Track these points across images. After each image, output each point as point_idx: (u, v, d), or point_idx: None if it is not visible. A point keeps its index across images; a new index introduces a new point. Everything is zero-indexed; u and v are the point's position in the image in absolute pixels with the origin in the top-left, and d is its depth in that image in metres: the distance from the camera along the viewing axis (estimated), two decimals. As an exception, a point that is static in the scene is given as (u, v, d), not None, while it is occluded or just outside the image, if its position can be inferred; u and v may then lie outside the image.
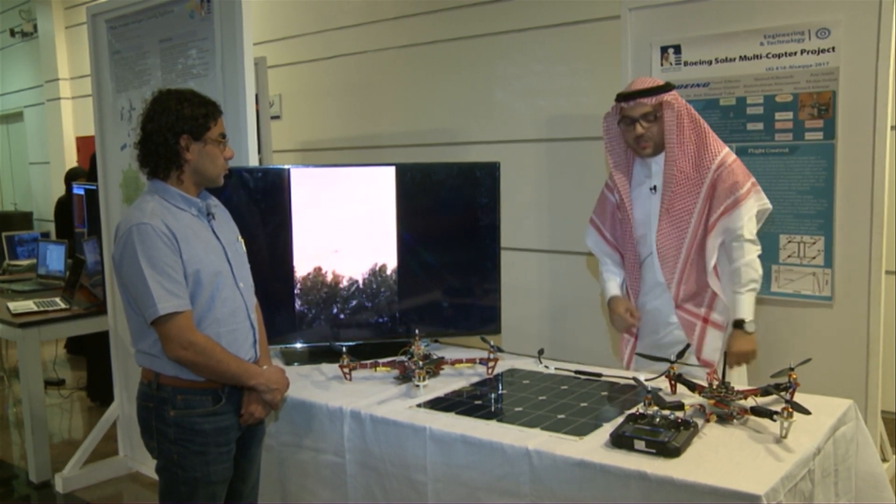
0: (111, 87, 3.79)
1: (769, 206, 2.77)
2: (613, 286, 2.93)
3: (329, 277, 2.96)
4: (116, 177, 3.83)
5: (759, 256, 2.71)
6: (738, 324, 2.68)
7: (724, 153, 2.69)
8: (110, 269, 3.85)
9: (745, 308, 2.69)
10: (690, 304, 2.76)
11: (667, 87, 2.70)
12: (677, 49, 3.48)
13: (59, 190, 7.78)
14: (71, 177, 5.94)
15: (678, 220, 2.72)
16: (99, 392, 5.18)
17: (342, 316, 2.99)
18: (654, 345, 2.82)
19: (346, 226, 2.97)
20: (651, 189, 2.78)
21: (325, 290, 2.95)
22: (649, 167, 2.78)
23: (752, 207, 2.69)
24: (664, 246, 2.74)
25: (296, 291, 2.94)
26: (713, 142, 2.70)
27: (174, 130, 2.19)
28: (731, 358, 2.66)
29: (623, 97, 2.73)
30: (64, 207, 5.77)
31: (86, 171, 5.62)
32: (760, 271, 2.71)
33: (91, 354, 5.30)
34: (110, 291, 3.97)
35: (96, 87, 3.88)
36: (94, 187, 4.25)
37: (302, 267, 2.94)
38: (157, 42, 3.53)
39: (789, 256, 3.28)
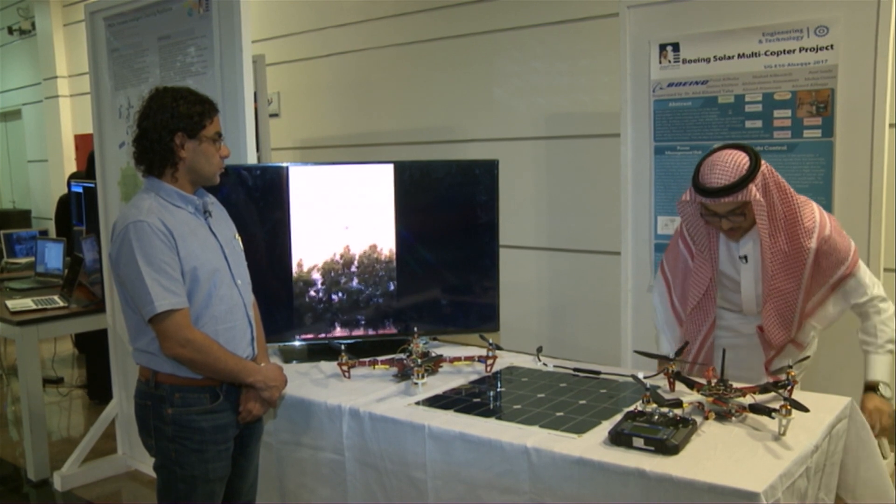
0: (109, 85, 3.78)
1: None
2: (666, 347, 2.73)
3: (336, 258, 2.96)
4: (115, 174, 3.82)
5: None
6: (873, 387, 2.45)
7: (818, 222, 2.46)
8: (108, 267, 3.85)
9: (882, 369, 2.46)
10: (783, 336, 2.56)
11: (751, 174, 2.37)
12: (676, 47, 3.48)
13: (58, 188, 7.78)
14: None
15: (785, 302, 2.50)
16: (98, 390, 5.18)
17: (342, 294, 2.97)
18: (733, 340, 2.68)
19: (344, 223, 2.96)
20: (741, 258, 2.57)
21: (332, 272, 2.95)
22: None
23: (866, 270, 2.52)
24: (771, 327, 2.52)
25: (294, 272, 2.94)
26: (804, 213, 2.46)
27: (169, 128, 2.19)
28: (870, 418, 2.38)
29: (706, 194, 2.41)
30: (65, 207, 5.76)
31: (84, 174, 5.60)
32: None
33: (91, 352, 5.30)
34: (109, 289, 3.97)
35: (95, 84, 3.87)
36: (92, 185, 4.24)
37: (299, 261, 2.94)
38: (155, 40, 3.52)
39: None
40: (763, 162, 2.43)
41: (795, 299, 2.50)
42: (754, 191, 2.36)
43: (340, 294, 2.98)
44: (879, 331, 2.48)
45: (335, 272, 2.96)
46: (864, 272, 2.51)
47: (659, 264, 2.87)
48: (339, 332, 2.99)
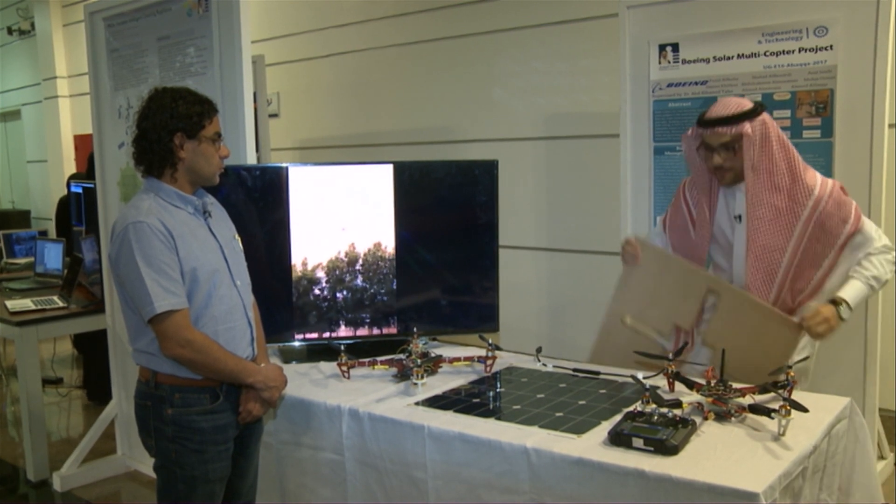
0: (109, 86, 3.78)
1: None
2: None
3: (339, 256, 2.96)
4: (114, 175, 3.82)
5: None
6: (837, 302, 2.46)
7: (820, 184, 2.51)
8: (108, 268, 3.85)
9: (854, 294, 2.47)
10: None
11: (750, 114, 2.47)
12: (675, 47, 3.48)
13: (57, 188, 7.78)
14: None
15: (768, 258, 2.55)
16: (97, 390, 5.18)
17: (345, 293, 2.98)
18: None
19: (344, 223, 2.96)
20: (735, 218, 2.63)
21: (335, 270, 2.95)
22: (734, 193, 2.62)
23: (871, 224, 2.54)
24: (754, 282, 2.58)
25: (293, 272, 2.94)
26: (804, 172, 2.51)
27: (168, 128, 2.19)
28: (807, 320, 2.46)
29: (703, 123, 2.52)
30: (65, 207, 5.76)
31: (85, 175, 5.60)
32: (890, 274, 2.49)
33: (88, 353, 5.30)
34: (108, 290, 3.97)
35: (94, 85, 3.87)
36: (91, 185, 4.25)
37: (304, 260, 2.95)
38: (155, 40, 3.52)
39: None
40: (768, 115, 2.50)
41: (781, 257, 2.52)
42: (748, 127, 2.45)
43: (345, 292, 2.98)
44: (872, 265, 2.50)
45: (340, 270, 2.96)
46: (870, 226, 2.53)
47: (661, 219, 2.90)
48: (343, 330, 2.99)
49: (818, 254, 2.55)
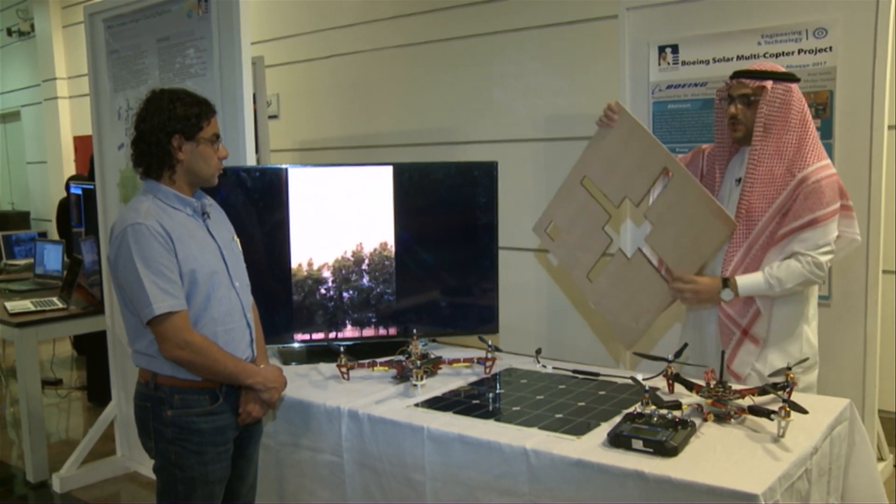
0: (109, 87, 3.79)
1: (857, 238, 2.62)
2: None
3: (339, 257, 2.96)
4: (114, 176, 3.82)
5: (810, 284, 2.55)
6: (727, 280, 2.53)
7: (820, 165, 2.49)
8: (107, 269, 3.85)
9: (750, 283, 2.51)
10: (734, 312, 2.60)
11: (778, 76, 2.53)
12: (675, 49, 3.48)
13: (57, 189, 7.78)
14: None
15: (748, 218, 2.57)
16: (98, 392, 5.18)
17: (344, 294, 2.98)
18: (697, 332, 2.78)
19: (344, 225, 2.96)
20: (736, 181, 2.66)
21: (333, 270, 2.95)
22: (743, 157, 2.64)
23: (833, 231, 2.49)
24: (734, 238, 2.61)
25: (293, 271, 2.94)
26: (812, 150, 2.51)
27: (166, 130, 2.19)
28: (678, 281, 2.56)
29: (732, 74, 2.61)
30: (65, 209, 5.76)
31: (85, 177, 5.60)
32: (796, 287, 2.49)
33: (91, 354, 5.30)
34: (108, 291, 3.97)
35: (94, 86, 3.87)
36: (91, 187, 4.25)
37: (309, 260, 2.95)
38: (154, 41, 3.52)
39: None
40: (798, 88, 2.54)
41: (758, 219, 2.55)
42: (770, 86, 2.50)
43: (351, 292, 2.98)
44: (788, 268, 2.48)
45: (346, 269, 2.96)
46: (825, 235, 2.48)
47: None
48: (349, 329, 2.99)
49: (780, 226, 2.55)
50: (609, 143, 2.78)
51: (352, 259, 2.97)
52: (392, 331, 3.03)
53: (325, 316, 2.97)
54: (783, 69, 2.59)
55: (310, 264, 2.95)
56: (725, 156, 2.71)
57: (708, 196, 2.59)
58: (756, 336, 2.59)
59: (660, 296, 2.68)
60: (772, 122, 2.51)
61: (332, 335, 2.99)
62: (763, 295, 2.53)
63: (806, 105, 2.56)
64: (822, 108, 3.18)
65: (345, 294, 2.97)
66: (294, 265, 2.94)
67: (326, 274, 2.96)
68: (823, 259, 2.48)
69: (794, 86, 2.54)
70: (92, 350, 5.17)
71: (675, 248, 2.63)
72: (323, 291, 2.96)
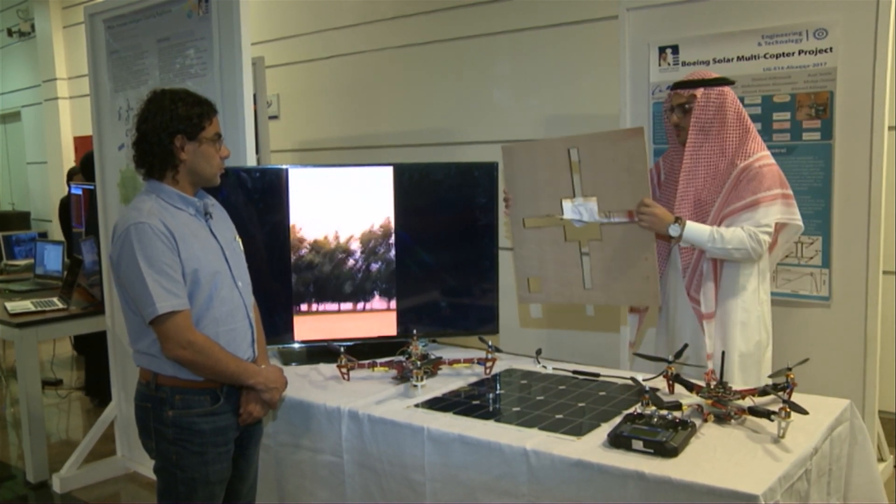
0: (109, 87, 3.79)
1: (799, 223, 2.73)
2: None
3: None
4: (114, 177, 3.82)
5: (750, 261, 2.68)
6: (678, 219, 2.63)
7: (759, 155, 2.66)
8: (108, 269, 3.85)
9: (697, 228, 2.63)
10: (696, 296, 2.76)
11: (710, 82, 2.71)
12: (675, 49, 3.49)
13: (57, 189, 7.78)
14: (71, 176, 5.93)
15: (701, 209, 2.71)
16: (95, 390, 5.19)
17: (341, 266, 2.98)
18: (668, 325, 2.91)
19: (344, 225, 2.97)
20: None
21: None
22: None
23: (773, 214, 2.63)
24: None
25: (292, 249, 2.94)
26: (752, 143, 2.68)
27: (168, 130, 2.19)
28: (643, 206, 2.63)
29: (671, 86, 2.82)
30: (67, 207, 5.76)
31: (77, 169, 5.58)
32: (733, 252, 2.61)
33: (90, 353, 5.30)
34: (108, 291, 3.97)
35: (94, 86, 3.87)
36: (92, 187, 4.25)
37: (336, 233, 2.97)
38: (154, 42, 3.52)
39: (787, 256, 3.28)
40: (731, 91, 2.73)
41: (710, 209, 2.69)
42: (702, 92, 2.69)
43: (379, 263, 3.00)
44: (731, 231, 2.61)
45: (374, 241, 2.98)
46: (766, 214, 2.61)
47: None
48: (377, 300, 3.01)
49: (722, 205, 2.68)
50: (518, 177, 2.92)
51: (380, 232, 2.99)
52: (392, 331, 3.03)
53: (364, 285, 2.99)
54: (715, 75, 2.77)
55: (336, 237, 2.96)
56: (679, 158, 2.84)
57: (607, 133, 2.77)
58: (707, 313, 2.75)
59: (644, 237, 2.71)
60: (708, 124, 2.70)
61: (360, 305, 2.98)
62: (703, 245, 2.65)
63: (740, 104, 2.74)
64: (823, 109, 3.19)
65: (373, 266, 3.00)
66: (331, 237, 2.96)
67: (355, 245, 2.98)
68: (763, 237, 2.62)
69: (727, 88, 2.72)
70: (91, 348, 5.17)
71: (623, 193, 2.70)
72: (351, 262, 2.98)
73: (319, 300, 2.99)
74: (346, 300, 3.00)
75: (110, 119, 3.81)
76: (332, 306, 3.00)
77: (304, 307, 2.98)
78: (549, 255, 2.92)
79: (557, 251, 2.89)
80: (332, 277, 2.98)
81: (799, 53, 3.21)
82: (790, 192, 2.70)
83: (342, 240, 2.97)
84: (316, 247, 2.96)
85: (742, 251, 2.62)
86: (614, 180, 2.71)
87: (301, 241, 2.94)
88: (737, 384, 2.50)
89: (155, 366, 2.22)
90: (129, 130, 2.29)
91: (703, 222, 2.68)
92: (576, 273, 2.87)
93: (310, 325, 2.99)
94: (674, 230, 2.63)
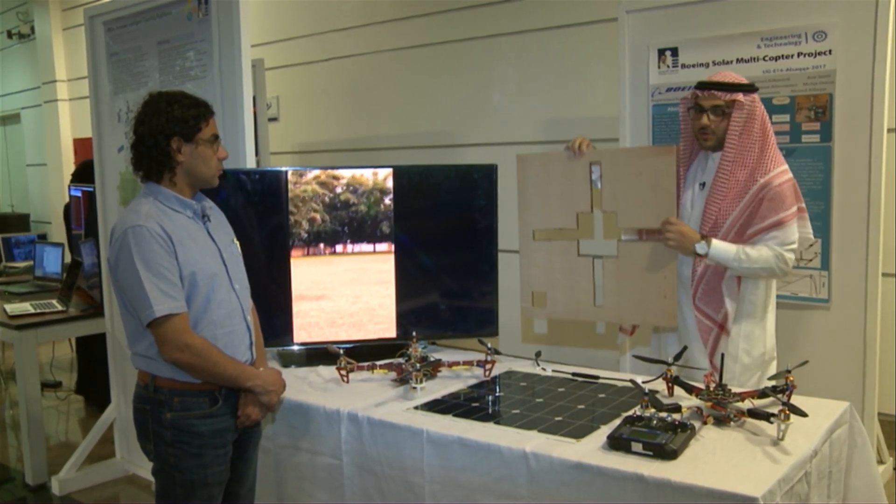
0: (109, 89, 3.79)
1: (811, 236, 2.75)
2: None
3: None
4: (114, 179, 3.82)
5: (775, 278, 2.66)
6: (706, 237, 2.61)
7: (779, 171, 2.60)
8: (107, 271, 3.85)
9: (723, 247, 2.59)
10: (709, 309, 2.70)
11: (746, 88, 2.64)
12: (674, 51, 3.49)
13: (57, 192, 7.78)
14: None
15: (714, 223, 2.65)
16: (86, 388, 5.18)
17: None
18: (662, 340, 2.88)
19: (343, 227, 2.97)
20: (700, 185, 2.74)
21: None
22: (706, 161, 2.74)
23: (795, 233, 2.61)
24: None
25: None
26: (772, 157, 2.62)
27: (165, 133, 2.19)
28: (669, 223, 2.61)
29: (700, 85, 2.68)
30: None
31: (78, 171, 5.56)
32: (761, 272, 2.59)
33: (83, 353, 5.29)
34: (107, 293, 3.97)
35: (94, 88, 3.87)
36: (91, 189, 4.24)
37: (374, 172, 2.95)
38: (154, 44, 3.52)
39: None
40: (759, 100, 2.65)
41: (723, 222, 2.64)
42: (741, 97, 2.60)
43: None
44: (756, 251, 2.57)
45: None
46: (791, 232, 2.60)
47: None
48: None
49: (744, 227, 2.64)
50: (532, 188, 2.91)
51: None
52: (391, 333, 3.03)
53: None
54: (746, 80, 2.68)
55: (374, 174, 2.98)
56: (687, 160, 2.80)
57: (636, 148, 2.74)
58: (730, 328, 2.71)
59: (664, 255, 2.68)
60: (743, 132, 2.61)
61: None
62: (728, 263, 2.61)
63: (765, 112, 2.66)
64: (822, 112, 3.19)
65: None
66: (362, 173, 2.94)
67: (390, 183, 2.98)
68: (789, 256, 2.60)
69: (756, 95, 2.65)
70: (84, 348, 5.17)
71: (646, 210, 2.69)
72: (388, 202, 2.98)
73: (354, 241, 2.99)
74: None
75: (110, 121, 3.81)
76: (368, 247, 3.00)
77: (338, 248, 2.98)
78: (558, 267, 2.88)
79: (568, 265, 2.85)
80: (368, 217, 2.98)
81: (798, 56, 3.21)
82: (804, 204, 2.67)
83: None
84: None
85: (768, 270, 2.60)
86: (637, 196, 2.68)
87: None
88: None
89: (153, 368, 2.22)
90: (128, 133, 2.29)
91: (717, 232, 2.64)
92: (586, 288, 2.83)
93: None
94: (701, 248, 2.59)
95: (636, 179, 2.67)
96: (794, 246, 2.61)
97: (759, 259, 2.57)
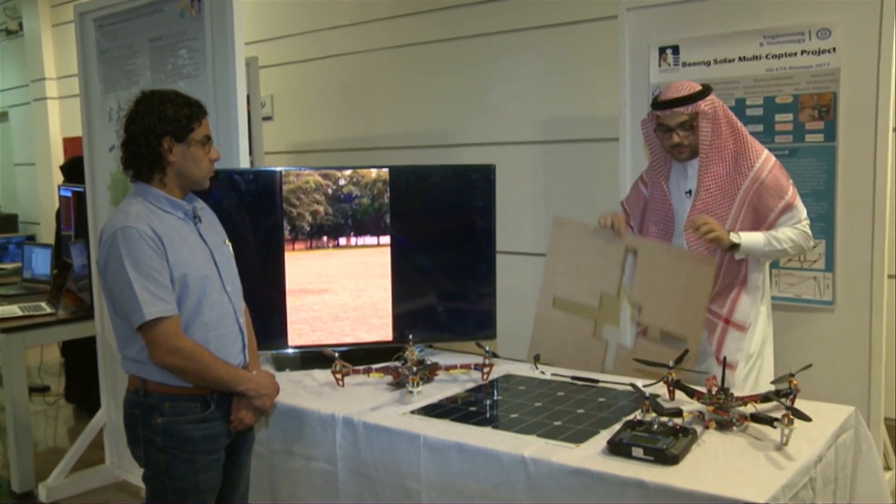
0: (99, 88, 3.78)
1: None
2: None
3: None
4: (104, 179, 3.82)
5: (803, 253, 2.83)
6: (735, 235, 2.68)
7: (763, 158, 2.72)
8: (97, 274, 3.84)
9: (748, 234, 2.69)
10: (714, 305, 2.78)
11: (703, 93, 2.71)
12: (675, 50, 3.49)
13: (46, 191, 7.76)
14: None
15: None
16: (76, 395, 5.17)
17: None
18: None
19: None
20: (686, 193, 2.83)
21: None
22: (685, 170, 2.83)
23: (804, 207, 2.74)
24: (695, 247, 2.75)
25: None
26: (750, 146, 2.73)
27: (156, 132, 2.19)
28: (697, 222, 2.66)
29: (659, 106, 2.75)
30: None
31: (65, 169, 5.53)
32: (790, 250, 2.71)
33: (72, 358, 5.28)
34: (97, 296, 3.96)
35: (84, 87, 3.87)
36: (81, 189, 4.24)
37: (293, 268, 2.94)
38: (146, 41, 3.52)
39: (789, 260, 3.29)
40: (717, 98, 2.75)
41: (723, 225, 2.69)
42: (702, 105, 2.69)
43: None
44: (781, 232, 2.70)
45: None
46: (801, 208, 2.73)
47: (620, 203, 3.11)
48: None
49: (754, 224, 2.73)
50: (563, 254, 2.94)
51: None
52: (388, 336, 3.03)
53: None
54: (699, 85, 2.75)
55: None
56: (664, 171, 2.87)
57: (677, 249, 2.75)
58: (739, 322, 2.77)
59: (702, 273, 2.67)
60: (713, 136, 2.70)
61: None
62: (760, 249, 2.70)
63: (725, 107, 2.76)
64: (826, 111, 3.19)
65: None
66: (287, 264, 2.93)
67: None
68: (808, 230, 2.74)
69: (713, 95, 2.74)
70: (73, 354, 5.15)
71: (672, 314, 2.70)
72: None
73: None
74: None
75: (101, 120, 3.80)
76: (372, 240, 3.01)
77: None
78: (570, 340, 2.92)
79: (581, 341, 2.90)
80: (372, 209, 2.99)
81: (801, 54, 3.21)
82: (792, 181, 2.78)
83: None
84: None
85: (797, 247, 2.73)
86: (666, 297, 2.72)
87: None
88: (743, 385, 2.52)
89: (143, 372, 2.22)
90: (119, 132, 2.29)
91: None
92: (596, 361, 2.86)
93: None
94: (735, 237, 2.67)
95: (669, 279, 2.71)
96: (807, 220, 2.74)
97: (786, 239, 2.69)
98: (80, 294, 4.42)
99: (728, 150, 2.72)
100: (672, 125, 2.72)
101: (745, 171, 2.70)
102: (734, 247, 2.68)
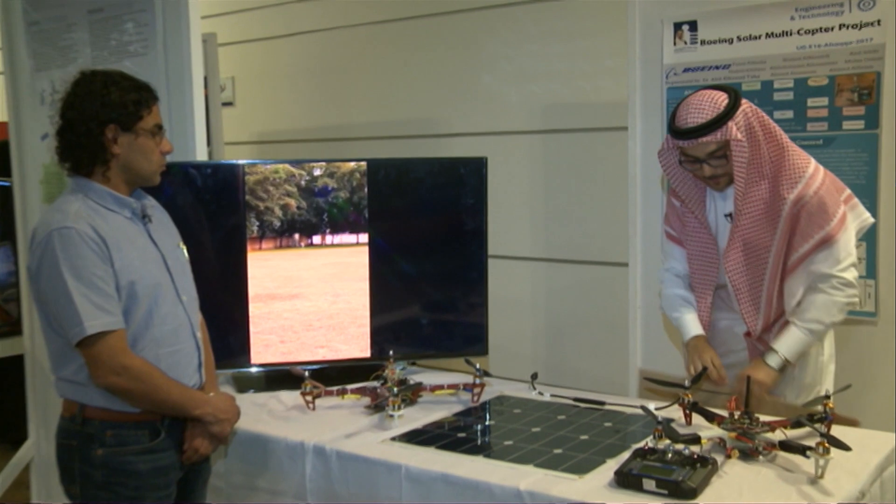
0: (29, 65, 3.77)
1: (870, 219, 2.75)
2: (693, 323, 2.77)
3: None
4: (36, 172, 3.81)
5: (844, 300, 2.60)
6: (767, 353, 2.61)
7: (808, 176, 2.57)
8: (26, 282, 3.82)
9: (787, 342, 2.58)
10: (766, 335, 2.70)
11: (731, 111, 2.51)
12: (693, 26, 3.51)
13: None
14: None
15: (755, 254, 2.63)
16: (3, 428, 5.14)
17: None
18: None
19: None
20: (726, 216, 2.72)
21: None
22: (723, 193, 2.72)
23: (852, 237, 2.60)
24: (738, 281, 2.67)
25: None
26: (794, 159, 2.59)
27: (99, 119, 2.19)
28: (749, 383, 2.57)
29: (680, 135, 2.57)
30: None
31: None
32: (838, 317, 2.59)
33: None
34: (27, 308, 3.94)
35: (9, 64, 3.86)
36: (7, 184, 4.22)
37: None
38: (84, 13, 3.51)
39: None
40: (745, 101, 2.58)
41: (767, 255, 2.60)
42: (734, 129, 2.49)
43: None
44: (816, 309, 2.57)
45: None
46: (844, 245, 2.57)
47: (663, 232, 2.98)
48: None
49: (789, 254, 2.62)
50: None
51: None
52: (365, 353, 3.03)
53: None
54: (724, 95, 2.57)
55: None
56: (700, 197, 2.74)
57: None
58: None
59: None
60: (752, 152, 2.56)
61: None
62: (806, 346, 2.60)
63: (759, 111, 2.61)
64: (868, 93, 3.20)
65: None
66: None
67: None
68: (850, 276, 2.57)
69: (742, 102, 2.56)
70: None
71: None
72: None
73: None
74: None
75: (31, 103, 3.79)
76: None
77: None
78: None
79: None
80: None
81: (840, 28, 3.22)
82: (847, 189, 2.67)
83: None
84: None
85: (842, 309, 2.59)
86: None
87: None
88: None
89: (82, 396, 2.21)
90: (54, 118, 2.28)
91: (762, 269, 2.63)
92: None
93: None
94: (775, 361, 2.58)
95: None
96: (853, 258, 2.58)
97: (825, 314, 2.56)
98: (6, 306, 4.39)
99: (766, 161, 2.58)
100: (700, 156, 2.56)
101: (786, 193, 2.56)
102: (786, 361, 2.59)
